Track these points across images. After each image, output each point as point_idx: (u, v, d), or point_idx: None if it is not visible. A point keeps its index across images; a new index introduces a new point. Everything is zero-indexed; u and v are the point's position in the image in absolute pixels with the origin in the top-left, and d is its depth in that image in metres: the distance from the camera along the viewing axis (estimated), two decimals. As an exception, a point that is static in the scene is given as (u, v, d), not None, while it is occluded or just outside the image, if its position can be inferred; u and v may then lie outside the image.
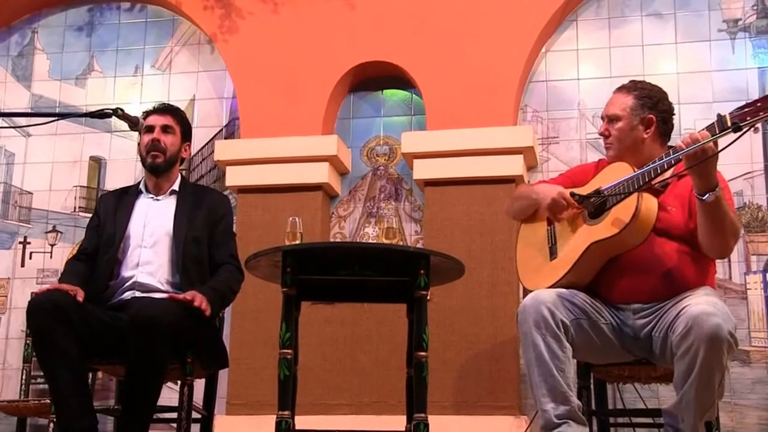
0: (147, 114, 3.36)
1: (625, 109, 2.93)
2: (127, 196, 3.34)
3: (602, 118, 3.02)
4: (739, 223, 2.83)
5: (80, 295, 2.97)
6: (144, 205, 3.29)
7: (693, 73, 4.27)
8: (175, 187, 3.33)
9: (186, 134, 3.39)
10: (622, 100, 2.95)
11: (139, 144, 3.39)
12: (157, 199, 3.31)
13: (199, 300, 2.99)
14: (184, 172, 4.16)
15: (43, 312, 2.84)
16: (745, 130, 2.48)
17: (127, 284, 3.16)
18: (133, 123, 3.11)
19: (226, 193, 4.13)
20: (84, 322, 2.92)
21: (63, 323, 2.84)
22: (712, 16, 4.32)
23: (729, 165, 3.67)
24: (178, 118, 3.37)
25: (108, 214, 3.29)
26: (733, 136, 2.51)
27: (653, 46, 4.35)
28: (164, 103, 3.48)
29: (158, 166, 3.28)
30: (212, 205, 3.32)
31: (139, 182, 3.41)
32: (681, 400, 2.57)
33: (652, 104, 2.92)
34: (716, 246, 2.76)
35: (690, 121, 4.05)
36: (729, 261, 4.02)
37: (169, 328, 2.86)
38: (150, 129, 3.29)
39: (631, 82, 3.02)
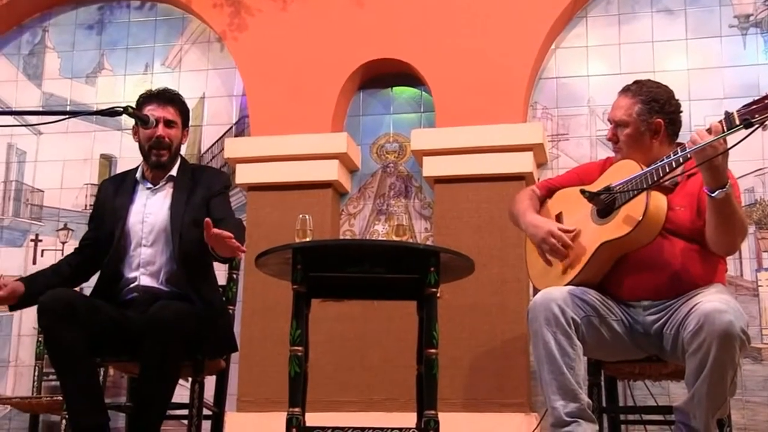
0: (145, 99, 3.24)
1: (631, 115, 2.90)
2: (125, 185, 3.27)
3: (609, 121, 3.00)
4: (747, 221, 2.81)
5: (11, 290, 3.02)
6: (142, 198, 3.23)
7: (703, 70, 4.24)
8: (173, 172, 3.25)
9: (186, 122, 3.31)
10: (628, 105, 2.92)
11: (135, 130, 3.26)
12: (155, 189, 3.23)
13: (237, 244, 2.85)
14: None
15: (51, 310, 2.84)
16: (756, 126, 2.46)
17: (132, 285, 3.14)
18: (144, 121, 3.11)
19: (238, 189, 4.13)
20: (93, 319, 2.91)
21: (71, 321, 2.83)
22: (723, 12, 4.29)
23: (740, 161, 3.66)
24: (179, 108, 3.27)
25: (107, 203, 3.25)
26: (743, 132, 2.49)
27: (663, 43, 4.33)
28: (164, 90, 3.30)
29: (163, 164, 3.22)
30: (209, 182, 3.24)
31: (137, 168, 3.31)
32: (693, 397, 2.56)
33: (659, 107, 2.90)
34: (723, 243, 2.75)
35: (701, 118, 4.03)
36: (740, 258, 4.01)
37: (186, 334, 2.86)
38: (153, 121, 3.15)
39: (636, 83, 2.97)
